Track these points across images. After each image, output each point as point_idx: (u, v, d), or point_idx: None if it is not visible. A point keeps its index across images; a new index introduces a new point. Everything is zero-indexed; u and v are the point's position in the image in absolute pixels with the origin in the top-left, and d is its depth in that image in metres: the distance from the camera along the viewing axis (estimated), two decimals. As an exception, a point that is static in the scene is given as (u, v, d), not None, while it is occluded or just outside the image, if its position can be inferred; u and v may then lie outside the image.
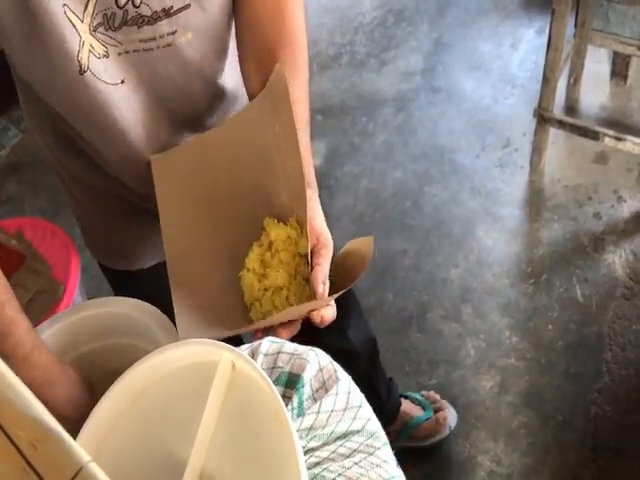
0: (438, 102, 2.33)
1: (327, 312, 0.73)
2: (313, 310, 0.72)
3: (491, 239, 1.92)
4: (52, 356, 0.76)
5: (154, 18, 0.74)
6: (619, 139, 1.83)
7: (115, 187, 0.95)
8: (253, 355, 0.66)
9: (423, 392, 1.61)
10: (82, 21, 0.72)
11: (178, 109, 0.87)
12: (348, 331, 1.29)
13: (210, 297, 0.81)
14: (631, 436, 1.51)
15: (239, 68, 0.87)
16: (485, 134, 2.19)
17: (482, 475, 1.51)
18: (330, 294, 0.73)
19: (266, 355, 0.66)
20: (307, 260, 0.75)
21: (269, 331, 0.73)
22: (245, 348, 0.68)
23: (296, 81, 0.80)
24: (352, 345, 1.31)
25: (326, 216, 0.80)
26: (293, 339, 0.73)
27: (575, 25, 2.03)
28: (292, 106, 0.76)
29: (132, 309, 0.86)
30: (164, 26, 0.75)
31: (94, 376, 0.85)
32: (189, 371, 0.62)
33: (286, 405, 0.60)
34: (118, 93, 0.79)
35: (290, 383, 0.64)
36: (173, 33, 0.77)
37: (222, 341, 0.61)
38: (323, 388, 0.64)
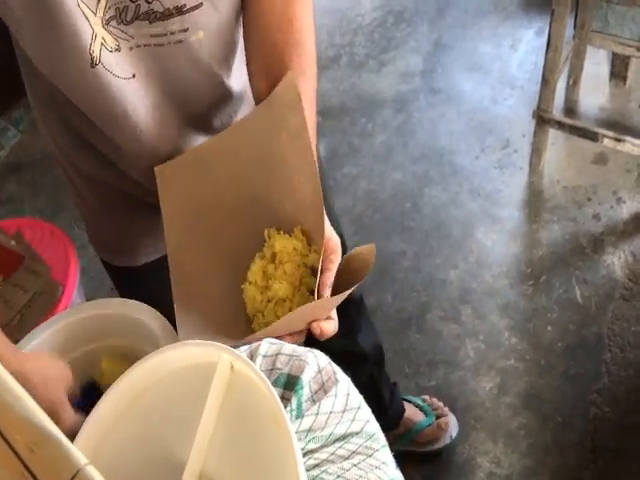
0: (437, 103, 2.33)
1: (327, 325, 0.72)
2: (314, 320, 0.71)
3: (490, 240, 1.92)
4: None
5: (166, 15, 0.74)
6: (618, 140, 1.83)
7: (120, 181, 0.95)
8: (252, 356, 0.66)
9: (424, 397, 1.60)
10: (95, 14, 0.72)
11: (187, 106, 0.87)
12: (358, 335, 1.29)
13: (212, 308, 0.80)
14: (630, 437, 1.51)
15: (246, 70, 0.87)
16: (484, 135, 2.19)
17: (481, 476, 1.51)
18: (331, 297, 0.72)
19: (265, 356, 0.66)
20: (315, 272, 0.74)
21: None
22: (244, 349, 0.67)
23: (301, 87, 0.80)
24: (361, 349, 1.31)
25: None
26: None
27: (574, 26, 2.03)
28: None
29: (131, 310, 0.86)
30: (176, 23, 0.76)
31: (92, 377, 0.85)
32: (188, 372, 0.62)
33: (285, 407, 0.59)
34: (130, 87, 0.79)
35: (289, 385, 0.64)
36: (185, 31, 0.77)
37: (221, 342, 0.61)
38: (322, 390, 0.64)
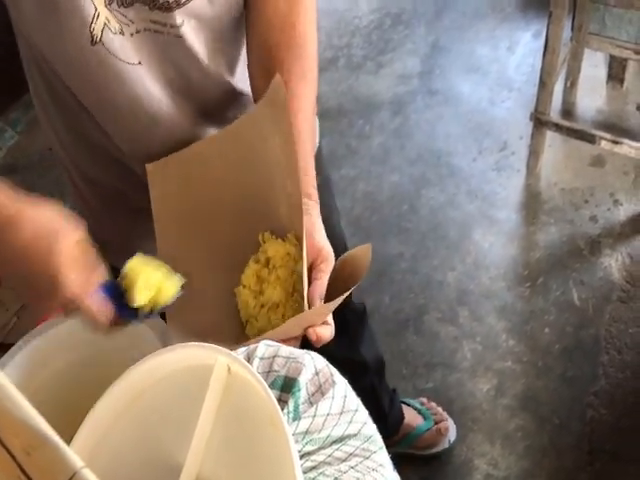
0: (435, 105, 2.33)
1: (324, 331, 0.71)
2: (309, 326, 0.71)
3: (488, 242, 1.92)
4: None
5: (165, 7, 0.75)
6: (615, 142, 1.83)
7: (123, 182, 0.94)
8: (249, 359, 0.66)
9: (422, 399, 1.60)
10: None
11: (195, 101, 0.87)
12: (361, 346, 1.29)
13: (206, 312, 0.80)
14: (627, 439, 1.52)
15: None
16: (482, 137, 2.20)
17: (479, 478, 1.51)
18: (326, 303, 0.72)
19: (262, 359, 0.66)
20: (304, 278, 0.73)
21: None
22: (241, 352, 0.67)
23: (300, 90, 0.79)
24: (363, 359, 1.31)
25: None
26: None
27: (572, 29, 2.03)
28: (294, 116, 0.75)
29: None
30: (175, 17, 0.76)
31: (92, 381, 0.85)
32: (185, 374, 0.62)
33: (282, 409, 0.59)
34: (137, 73, 0.79)
35: (286, 387, 0.63)
36: (182, 25, 0.77)
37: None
38: (319, 392, 0.64)
